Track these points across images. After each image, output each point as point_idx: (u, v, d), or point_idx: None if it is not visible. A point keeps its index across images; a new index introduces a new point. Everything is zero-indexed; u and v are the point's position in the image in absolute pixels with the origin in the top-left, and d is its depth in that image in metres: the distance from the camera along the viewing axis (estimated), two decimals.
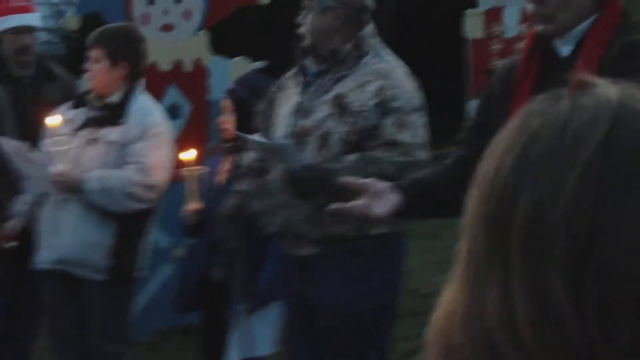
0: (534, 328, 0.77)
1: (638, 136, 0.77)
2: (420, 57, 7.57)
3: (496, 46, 7.59)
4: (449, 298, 0.84)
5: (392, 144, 3.67)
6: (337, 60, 3.77)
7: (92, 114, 4.62)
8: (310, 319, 3.85)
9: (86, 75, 4.73)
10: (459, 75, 8.31)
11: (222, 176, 4.53)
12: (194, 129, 6.10)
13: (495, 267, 0.79)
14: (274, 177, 3.81)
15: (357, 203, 2.96)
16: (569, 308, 0.75)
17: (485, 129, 3.05)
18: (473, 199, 0.83)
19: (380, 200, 2.97)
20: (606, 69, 2.90)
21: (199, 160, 4.50)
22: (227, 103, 4.53)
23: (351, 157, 3.68)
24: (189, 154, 4.49)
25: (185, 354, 5.85)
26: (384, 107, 3.68)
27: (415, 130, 3.70)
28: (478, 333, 0.79)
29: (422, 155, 3.71)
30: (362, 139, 3.68)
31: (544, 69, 2.95)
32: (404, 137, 3.68)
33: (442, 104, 4.82)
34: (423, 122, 3.77)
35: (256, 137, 3.87)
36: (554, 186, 0.77)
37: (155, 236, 5.22)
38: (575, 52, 2.93)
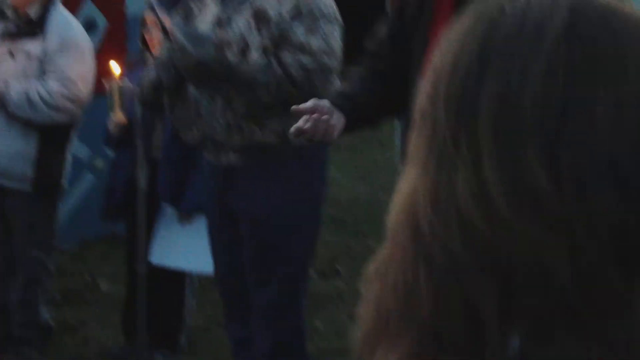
0: (510, 200, 0.77)
1: (597, 25, 0.80)
2: None
3: None
4: (408, 186, 0.83)
5: (301, 49, 3.67)
6: None
7: (10, 27, 4.60)
8: (232, 227, 3.87)
9: None
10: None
11: None
12: (111, 44, 6.05)
13: (462, 150, 0.79)
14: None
15: (319, 123, 3.00)
16: (545, 181, 0.76)
17: (400, 42, 3.12)
18: (429, 88, 0.83)
19: (331, 118, 3.05)
20: None
21: (121, 74, 4.49)
22: (150, 18, 4.51)
23: (260, 60, 3.68)
24: (112, 67, 4.48)
25: (109, 262, 5.93)
26: (298, 15, 3.69)
27: (326, 38, 3.71)
28: (449, 211, 0.79)
29: (332, 62, 3.72)
30: (278, 47, 3.70)
31: None
32: (314, 42, 3.68)
33: (360, 23, 4.82)
34: (336, 32, 3.77)
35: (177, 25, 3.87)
36: (521, 74, 0.78)
37: (75, 147, 5.23)
38: None
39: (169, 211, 4.52)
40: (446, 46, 0.83)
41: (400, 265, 0.82)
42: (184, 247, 4.47)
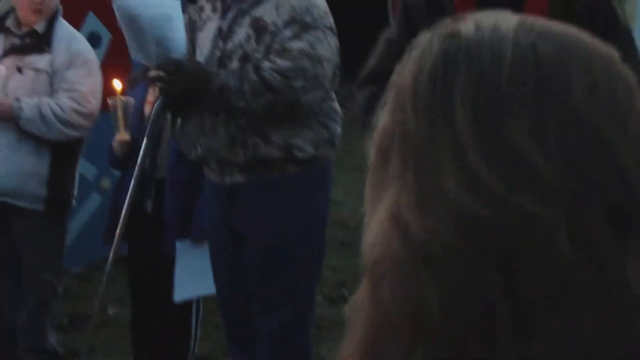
0: (503, 180, 0.78)
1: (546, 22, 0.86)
2: None
3: None
4: (385, 209, 0.83)
5: (281, 52, 3.58)
6: None
7: (17, 42, 4.56)
8: (237, 250, 3.79)
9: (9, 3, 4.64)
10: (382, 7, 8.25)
11: (149, 106, 4.44)
12: (115, 57, 5.98)
13: (442, 147, 0.80)
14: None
15: None
16: (537, 154, 0.78)
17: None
18: (389, 117, 0.85)
19: None
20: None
21: (124, 90, 4.41)
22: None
23: (234, 64, 3.64)
24: (116, 83, 4.40)
25: (117, 286, 5.80)
26: (292, 22, 3.62)
27: (312, 43, 3.60)
28: (440, 208, 0.79)
29: (315, 67, 3.59)
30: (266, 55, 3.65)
31: (485, 1, 2.89)
32: (296, 45, 3.59)
33: (364, 35, 4.72)
34: (327, 40, 3.66)
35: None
36: (492, 61, 0.81)
37: (82, 166, 5.14)
38: None
39: (181, 246, 4.39)
40: (403, 71, 0.86)
41: (398, 278, 0.81)
42: (202, 272, 4.33)
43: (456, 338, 0.79)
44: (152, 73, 3.81)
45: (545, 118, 0.79)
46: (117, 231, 4.23)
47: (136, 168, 4.14)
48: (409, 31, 3.08)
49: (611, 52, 0.86)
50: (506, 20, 0.85)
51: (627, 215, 0.80)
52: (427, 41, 0.85)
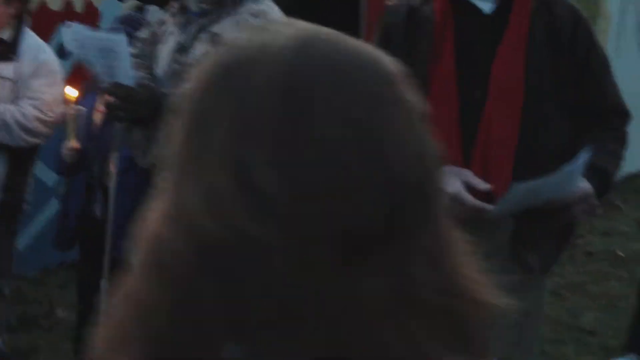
0: (241, 202, 0.79)
1: (321, 45, 0.84)
2: (315, 13, 7.56)
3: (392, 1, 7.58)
4: (154, 211, 0.85)
5: None
6: (219, 2, 3.78)
7: None
8: None
9: None
10: (354, 32, 8.31)
11: (98, 114, 4.52)
12: (82, 70, 6.03)
13: (195, 160, 0.81)
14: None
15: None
16: (267, 177, 0.79)
17: None
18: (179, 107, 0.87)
19: None
20: (536, 27, 2.92)
21: (76, 99, 4.49)
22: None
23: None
24: (70, 92, 4.47)
25: (69, 290, 5.87)
26: None
27: None
28: (181, 221, 0.80)
29: None
30: None
31: (464, 27, 2.92)
32: None
33: None
34: None
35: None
36: (249, 79, 0.81)
37: (42, 173, 5.15)
38: (500, 10, 2.91)
39: None
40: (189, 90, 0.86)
41: (139, 281, 0.83)
42: None
43: (174, 345, 0.80)
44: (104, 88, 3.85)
45: (286, 143, 0.79)
46: (107, 241, 4.27)
47: (113, 176, 4.21)
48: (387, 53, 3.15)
49: (393, 70, 0.85)
50: (284, 35, 0.83)
51: (363, 239, 0.79)
52: (217, 50, 0.88)
